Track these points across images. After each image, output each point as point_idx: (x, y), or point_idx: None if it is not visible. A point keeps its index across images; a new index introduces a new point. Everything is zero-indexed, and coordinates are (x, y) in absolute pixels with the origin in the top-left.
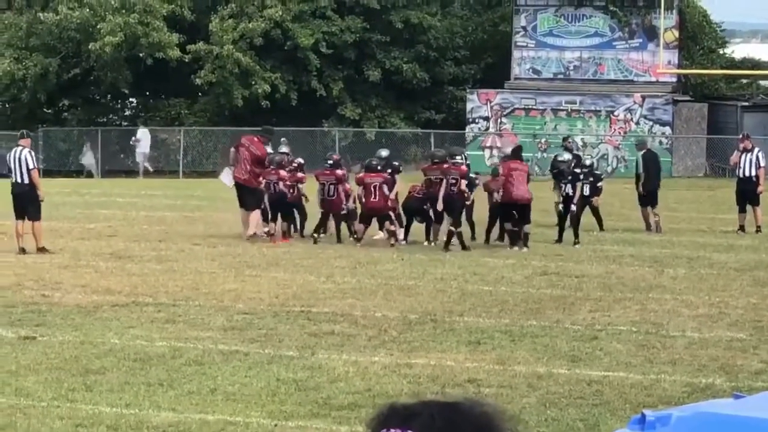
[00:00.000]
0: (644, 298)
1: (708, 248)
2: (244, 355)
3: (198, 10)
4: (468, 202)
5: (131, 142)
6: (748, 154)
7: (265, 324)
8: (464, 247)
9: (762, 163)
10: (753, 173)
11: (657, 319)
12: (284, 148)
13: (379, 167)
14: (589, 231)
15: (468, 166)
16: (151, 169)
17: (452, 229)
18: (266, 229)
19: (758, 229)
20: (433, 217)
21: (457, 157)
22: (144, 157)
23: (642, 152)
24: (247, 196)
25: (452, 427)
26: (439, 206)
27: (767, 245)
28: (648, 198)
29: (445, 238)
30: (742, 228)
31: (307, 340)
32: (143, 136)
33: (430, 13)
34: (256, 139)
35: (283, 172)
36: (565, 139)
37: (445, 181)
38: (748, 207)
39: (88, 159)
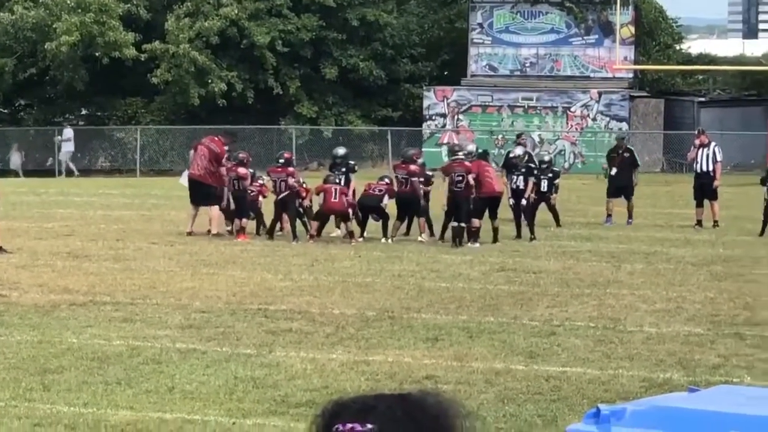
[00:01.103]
0: (602, 293)
1: (665, 243)
2: (202, 353)
3: (154, 9)
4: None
5: (57, 142)
6: (705, 149)
7: (223, 322)
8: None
9: (719, 158)
10: (710, 168)
11: (614, 315)
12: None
13: (336, 181)
14: (547, 227)
15: (423, 164)
16: (75, 172)
17: (462, 225)
18: (229, 228)
19: (715, 224)
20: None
21: (460, 154)
22: (68, 156)
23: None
24: (200, 192)
25: (410, 418)
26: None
27: (724, 240)
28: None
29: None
30: (699, 223)
31: (264, 338)
32: (69, 135)
33: (386, 10)
34: (216, 138)
35: (242, 170)
36: (519, 136)
37: (449, 178)
38: (706, 202)
39: (15, 159)
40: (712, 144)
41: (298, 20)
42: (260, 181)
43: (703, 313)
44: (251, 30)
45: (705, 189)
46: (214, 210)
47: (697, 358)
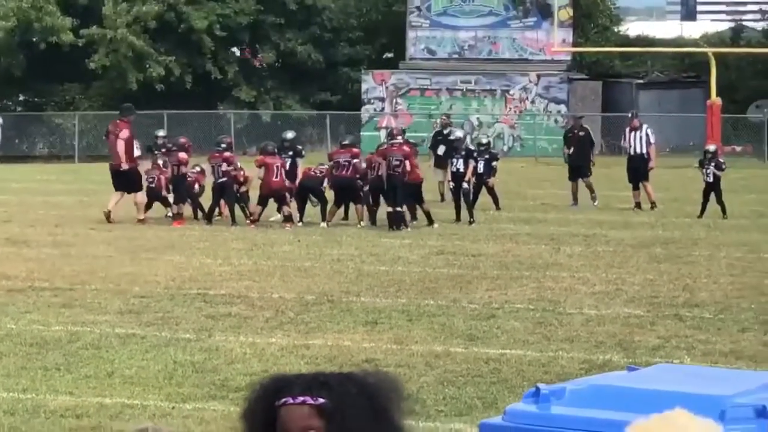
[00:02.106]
0: (541, 276)
1: (604, 226)
2: (141, 338)
3: None
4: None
5: None
6: (637, 132)
7: (162, 307)
8: (402, 224)
9: (652, 140)
10: (643, 150)
11: (554, 297)
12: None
13: (275, 150)
14: (486, 210)
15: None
16: None
17: (399, 210)
18: (168, 213)
19: (653, 205)
20: (371, 199)
21: (399, 138)
22: None
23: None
24: (120, 181)
25: (363, 394)
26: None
27: (663, 222)
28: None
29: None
30: (638, 205)
31: (204, 323)
32: None
33: None
34: (119, 122)
35: (182, 155)
36: (445, 117)
37: (386, 162)
38: (641, 184)
39: None
40: (644, 126)
41: (236, 4)
42: (197, 168)
43: (643, 294)
44: (189, 14)
45: (638, 171)
46: (139, 196)
47: (637, 340)
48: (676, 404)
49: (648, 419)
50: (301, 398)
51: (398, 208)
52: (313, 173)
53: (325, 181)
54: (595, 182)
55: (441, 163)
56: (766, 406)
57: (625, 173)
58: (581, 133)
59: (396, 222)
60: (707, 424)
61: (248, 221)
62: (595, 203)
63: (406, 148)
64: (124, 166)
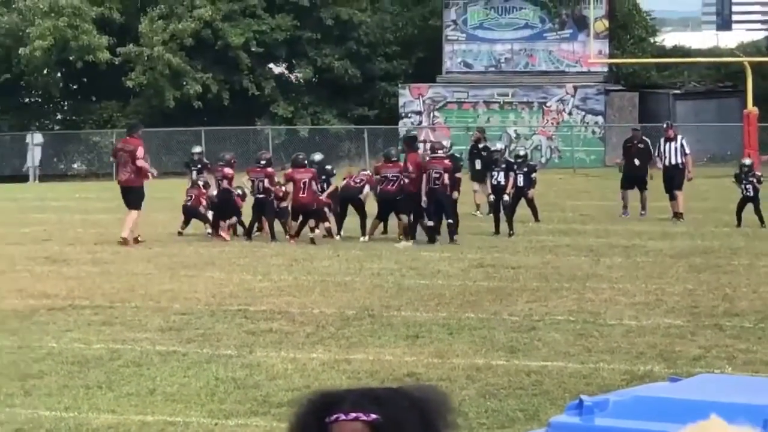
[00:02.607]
0: (581, 287)
1: (643, 236)
2: (182, 355)
3: (127, 11)
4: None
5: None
6: (672, 143)
7: (203, 324)
8: (451, 239)
9: (687, 151)
10: (678, 161)
11: (594, 308)
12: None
13: (305, 161)
14: (525, 222)
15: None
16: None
17: (450, 222)
18: (209, 230)
19: (680, 216)
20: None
21: (440, 151)
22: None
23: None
24: (130, 195)
25: (415, 408)
26: (423, 202)
27: (702, 231)
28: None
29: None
30: (675, 215)
31: (245, 339)
32: (38, 141)
33: (360, 9)
34: (128, 138)
35: (228, 170)
36: (479, 131)
37: (426, 175)
38: (639, 192)
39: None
40: (680, 137)
41: (273, 20)
42: (238, 190)
43: (683, 305)
44: (225, 31)
45: (673, 181)
46: (134, 213)
47: (678, 350)
48: (719, 414)
49: (683, 430)
50: (353, 414)
51: (450, 221)
52: (353, 183)
53: (366, 187)
54: (634, 192)
55: (478, 176)
56: None
57: (662, 183)
58: (641, 145)
59: (451, 234)
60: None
61: (288, 236)
62: (642, 215)
63: (446, 161)
64: (135, 182)
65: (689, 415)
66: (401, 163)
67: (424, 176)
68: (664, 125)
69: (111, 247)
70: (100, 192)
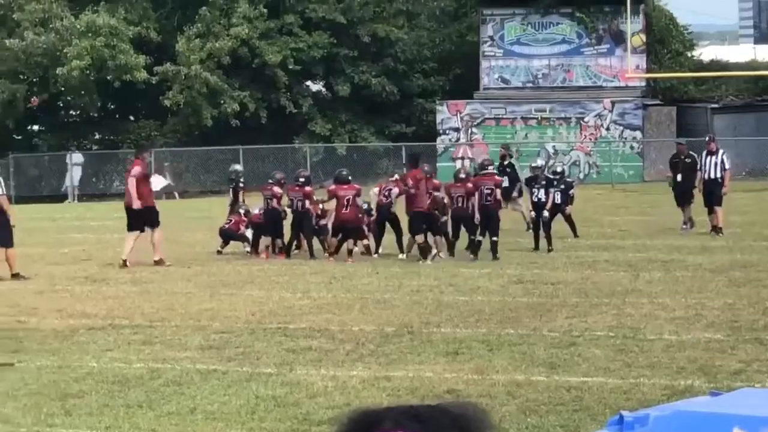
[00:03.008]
0: (620, 302)
1: (683, 251)
2: (223, 373)
3: (164, 31)
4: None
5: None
6: (713, 157)
7: (243, 342)
8: (495, 256)
9: (727, 166)
10: (717, 175)
11: (634, 324)
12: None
13: (349, 178)
14: (563, 238)
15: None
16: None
17: (494, 239)
18: (248, 248)
19: (719, 230)
20: (451, 231)
21: (490, 168)
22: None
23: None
24: (135, 218)
25: (456, 426)
26: (476, 218)
27: (741, 245)
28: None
29: (470, 249)
30: (714, 229)
31: (284, 357)
32: (77, 160)
33: (396, 26)
34: (135, 160)
35: (277, 189)
36: (503, 148)
37: (479, 192)
38: (714, 208)
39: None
40: (720, 151)
41: (309, 38)
42: (282, 210)
43: (723, 319)
44: (262, 49)
45: (713, 196)
46: (156, 234)
47: (718, 364)
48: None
49: None
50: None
51: (494, 238)
52: (383, 198)
53: (394, 193)
54: (672, 207)
55: (504, 194)
56: None
57: (701, 197)
58: (687, 160)
59: (494, 251)
60: None
61: (327, 254)
62: (684, 229)
63: (497, 177)
64: (136, 205)
65: (730, 429)
66: (435, 181)
67: (476, 193)
68: (706, 138)
69: (150, 267)
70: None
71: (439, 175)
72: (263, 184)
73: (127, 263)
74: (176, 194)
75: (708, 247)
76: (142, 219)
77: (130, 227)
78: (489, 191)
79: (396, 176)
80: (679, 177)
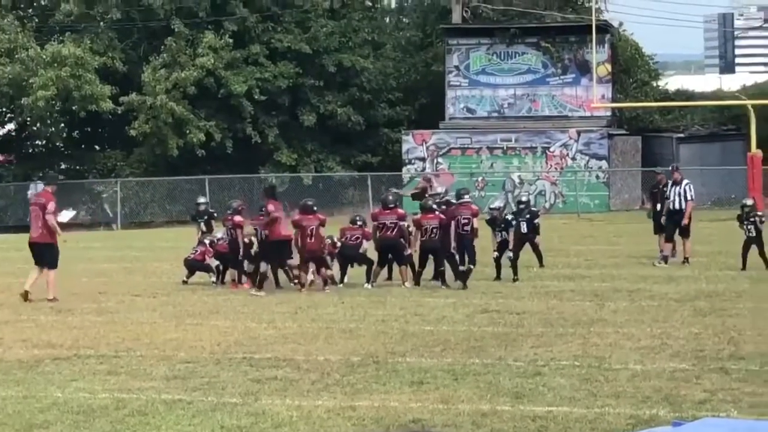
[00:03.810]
0: (586, 332)
1: (648, 280)
2: (188, 403)
3: (130, 61)
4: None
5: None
6: (677, 187)
7: (208, 372)
8: (464, 285)
9: (689, 196)
10: (682, 206)
11: (599, 353)
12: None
13: (313, 209)
14: (529, 267)
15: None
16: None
17: (471, 267)
18: (214, 279)
19: (685, 260)
20: (418, 262)
21: (466, 197)
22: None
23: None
24: (45, 254)
25: None
26: (453, 248)
27: (707, 275)
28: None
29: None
30: (665, 258)
31: (250, 387)
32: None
33: (362, 55)
34: (43, 191)
35: (237, 218)
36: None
37: (455, 222)
38: (677, 237)
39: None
40: (684, 182)
41: (275, 68)
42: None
43: (688, 348)
44: (228, 79)
45: (677, 226)
46: (52, 274)
47: (683, 394)
48: None
49: None
50: None
51: (471, 266)
52: (351, 242)
53: (364, 243)
54: (638, 236)
55: None
56: None
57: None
58: (665, 189)
59: (464, 278)
60: None
61: (293, 284)
62: (664, 257)
63: (473, 207)
64: (47, 238)
65: None
66: (400, 210)
67: (453, 222)
68: (670, 168)
69: (115, 296)
70: (105, 241)
71: (404, 206)
72: (223, 215)
73: (56, 298)
74: (114, 226)
75: (674, 276)
76: (50, 255)
77: (46, 265)
78: (466, 221)
79: (360, 223)
80: (658, 206)
